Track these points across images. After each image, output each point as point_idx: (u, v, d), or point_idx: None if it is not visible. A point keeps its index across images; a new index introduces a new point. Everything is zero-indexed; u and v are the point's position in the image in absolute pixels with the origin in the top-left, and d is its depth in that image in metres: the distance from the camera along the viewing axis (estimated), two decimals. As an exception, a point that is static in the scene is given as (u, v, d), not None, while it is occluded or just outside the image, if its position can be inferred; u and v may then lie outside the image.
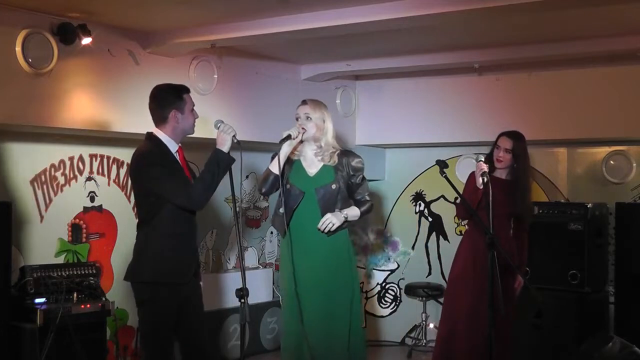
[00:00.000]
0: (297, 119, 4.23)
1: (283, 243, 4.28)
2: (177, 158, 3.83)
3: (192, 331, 3.86)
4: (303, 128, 4.15)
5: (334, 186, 4.18)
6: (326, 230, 4.11)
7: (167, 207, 3.71)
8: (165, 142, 3.79)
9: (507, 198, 4.65)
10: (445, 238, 6.80)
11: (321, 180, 4.20)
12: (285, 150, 4.13)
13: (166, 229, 3.73)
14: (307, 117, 4.19)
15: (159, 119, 3.81)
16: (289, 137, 4.08)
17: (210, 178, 3.68)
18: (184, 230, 3.79)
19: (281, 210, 4.18)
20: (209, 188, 3.70)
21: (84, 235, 5.22)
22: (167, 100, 3.80)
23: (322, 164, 4.22)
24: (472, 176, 4.70)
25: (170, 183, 3.69)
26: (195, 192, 3.68)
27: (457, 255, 4.86)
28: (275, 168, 4.14)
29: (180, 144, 3.87)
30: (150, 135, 3.83)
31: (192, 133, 3.90)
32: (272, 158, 4.22)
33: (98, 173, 5.31)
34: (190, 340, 3.86)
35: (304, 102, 4.28)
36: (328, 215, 4.11)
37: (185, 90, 3.87)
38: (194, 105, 3.87)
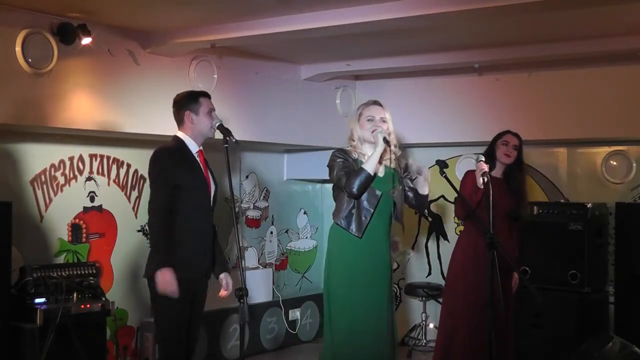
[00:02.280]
0: (369, 120, 4.09)
1: (350, 242, 4.05)
2: (197, 159, 3.94)
3: (190, 330, 3.92)
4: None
5: (401, 187, 4.15)
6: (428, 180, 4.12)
7: (176, 206, 3.81)
8: (186, 141, 3.94)
9: (506, 197, 4.65)
10: (445, 238, 6.80)
11: (390, 181, 4.11)
12: (380, 150, 3.98)
13: (179, 227, 3.82)
14: (383, 120, 4.11)
15: (178, 120, 3.99)
16: (384, 138, 3.99)
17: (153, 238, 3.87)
18: (193, 229, 3.86)
19: (354, 210, 4.02)
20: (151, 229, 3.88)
21: (84, 235, 5.22)
22: (183, 102, 3.97)
23: (384, 165, 4.13)
24: (469, 177, 4.70)
25: (153, 187, 3.85)
26: (149, 209, 3.85)
27: (454, 255, 4.86)
28: (371, 168, 3.96)
29: (201, 147, 3.97)
30: (173, 137, 3.99)
31: (211, 135, 3.96)
32: (341, 156, 4.06)
33: (98, 173, 5.31)
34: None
35: (379, 104, 4.19)
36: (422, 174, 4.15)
37: (204, 94, 4.01)
38: (212, 110, 3.94)
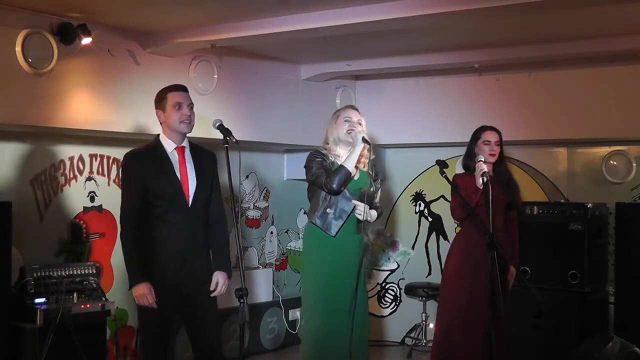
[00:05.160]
0: (346, 121, 4.27)
1: (325, 240, 4.22)
2: (173, 157, 3.86)
3: (200, 331, 3.89)
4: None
5: (372, 189, 4.31)
6: (363, 218, 4.18)
7: (146, 210, 3.80)
8: (161, 140, 3.89)
9: (501, 192, 4.60)
10: (445, 238, 6.79)
11: (362, 183, 4.28)
12: (360, 149, 4.17)
13: (150, 231, 3.80)
14: (359, 123, 4.28)
15: (158, 120, 3.95)
16: (363, 138, 4.16)
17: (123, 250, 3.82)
18: (166, 232, 3.79)
19: (329, 210, 4.20)
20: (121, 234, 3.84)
21: (84, 235, 5.22)
22: (155, 102, 3.93)
23: (358, 169, 4.29)
24: (463, 179, 4.65)
25: (122, 192, 3.87)
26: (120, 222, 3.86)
27: (449, 255, 4.83)
28: (350, 165, 4.15)
29: (183, 145, 3.90)
30: (154, 137, 3.96)
31: (182, 130, 3.86)
32: (319, 157, 4.24)
33: (98, 173, 5.31)
34: (198, 340, 3.90)
35: (355, 108, 4.40)
36: (366, 207, 4.19)
37: (173, 88, 3.91)
38: (180, 102, 3.85)
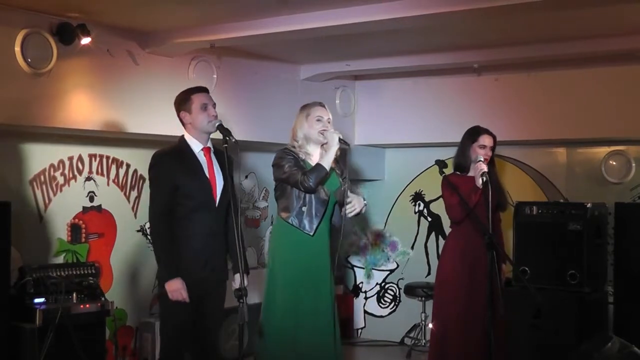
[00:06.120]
0: (317, 120, 4.20)
1: (301, 240, 4.16)
2: (201, 158, 3.91)
3: (204, 330, 3.92)
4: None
5: (342, 188, 4.25)
6: (354, 214, 4.13)
7: (175, 209, 3.82)
8: (188, 141, 3.93)
9: (493, 194, 4.59)
10: (445, 238, 6.78)
11: (334, 182, 4.26)
12: (335, 149, 4.12)
13: (178, 229, 3.83)
14: (329, 121, 4.24)
15: (181, 123, 3.98)
16: (340, 138, 4.13)
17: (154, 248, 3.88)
18: (193, 231, 3.84)
19: (304, 208, 4.15)
20: (152, 232, 3.92)
21: (83, 235, 5.21)
22: (177, 104, 3.98)
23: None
24: (457, 180, 4.66)
25: (151, 191, 3.88)
26: (149, 216, 3.90)
27: (444, 255, 4.83)
28: (327, 164, 4.10)
29: (208, 145, 3.95)
30: (179, 137, 3.99)
31: (210, 130, 3.91)
32: (291, 154, 4.17)
33: (97, 173, 5.30)
34: (200, 339, 3.92)
35: (324, 106, 4.31)
36: (357, 198, 4.14)
37: (196, 90, 3.97)
38: (206, 103, 3.91)
